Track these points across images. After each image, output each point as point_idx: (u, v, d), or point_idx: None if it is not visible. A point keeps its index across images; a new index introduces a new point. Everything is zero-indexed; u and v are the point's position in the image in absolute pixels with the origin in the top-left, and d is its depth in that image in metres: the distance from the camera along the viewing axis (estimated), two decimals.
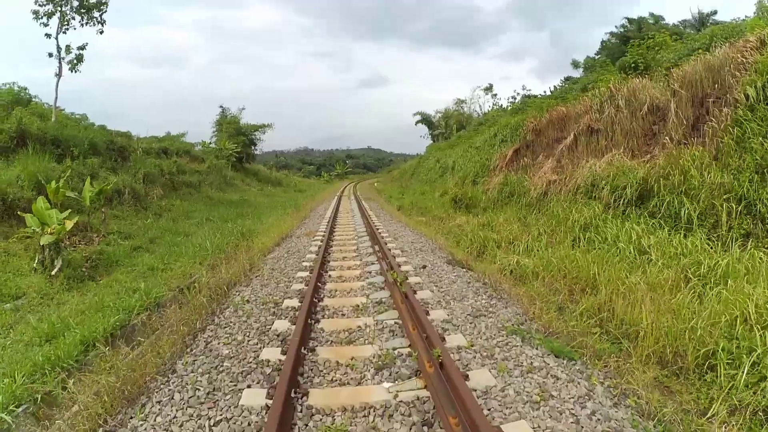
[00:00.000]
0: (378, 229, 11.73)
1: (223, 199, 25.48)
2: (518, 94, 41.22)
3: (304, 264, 7.73)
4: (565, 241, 9.35)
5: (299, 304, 5.36)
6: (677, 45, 14.98)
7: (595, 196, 10.70)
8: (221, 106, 46.25)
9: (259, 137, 45.83)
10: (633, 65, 14.67)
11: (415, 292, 5.52)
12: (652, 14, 36.69)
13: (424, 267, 7.35)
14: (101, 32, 21.15)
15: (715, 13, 30.15)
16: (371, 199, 26.88)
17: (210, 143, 39.07)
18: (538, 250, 8.97)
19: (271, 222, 15.51)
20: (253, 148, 45.93)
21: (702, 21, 29.97)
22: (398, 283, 5.49)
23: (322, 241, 9.69)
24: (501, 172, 18.40)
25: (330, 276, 6.90)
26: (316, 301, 5.48)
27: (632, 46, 16.31)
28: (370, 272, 7.04)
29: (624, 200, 9.50)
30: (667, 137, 10.24)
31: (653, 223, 8.37)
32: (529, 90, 41.72)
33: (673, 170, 8.83)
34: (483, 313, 5.11)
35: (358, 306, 5.36)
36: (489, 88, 51.57)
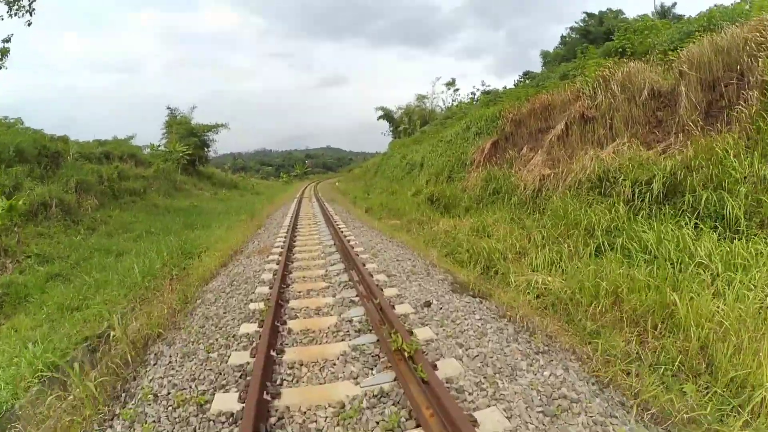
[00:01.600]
0: (349, 240, 9.52)
1: (170, 206, 22.74)
2: (477, 89, 40.67)
3: (252, 307, 5.34)
4: (586, 249, 7.52)
5: (240, 406, 3.06)
6: (669, 29, 13.69)
7: (606, 192, 8.96)
8: (169, 107, 42.70)
9: (213, 138, 42.44)
10: (620, 50, 13.32)
11: (435, 366, 3.35)
12: (610, 9, 37.28)
13: (429, 304, 5.13)
14: (29, 24, 18.23)
15: (674, 5, 30.30)
16: (335, 200, 24.46)
17: (159, 146, 35.67)
18: (558, 263, 7.13)
19: (221, 234, 13.07)
20: (206, 149, 42.54)
21: (664, 14, 29.63)
22: (407, 356, 3.30)
23: (278, 264, 7.35)
24: (480, 167, 16.62)
25: (290, 332, 4.52)
26: (269, 398, 3.14)
27: (619, 31, 15.16)
28: (351, 322, 4.70)
29: (650, 197, 7.77)
30: (690, 123, 8.80)
31: (692, 224, 6.64)
32: (488, 86, 41.15)
33: (706, 161, 7.28)
34: (561, 405, 2.97)
35: (344, 407, 3.05)
36: (451, 83, 50.37)
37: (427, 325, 4.50)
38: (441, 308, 5.03)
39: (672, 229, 6.58)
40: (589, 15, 39.23)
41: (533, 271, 7.26)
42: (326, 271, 7.13)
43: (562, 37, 41.87)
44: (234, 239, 11.27)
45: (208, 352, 4.12)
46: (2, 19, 17.60)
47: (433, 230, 11.12)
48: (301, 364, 3.76)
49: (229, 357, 3.94)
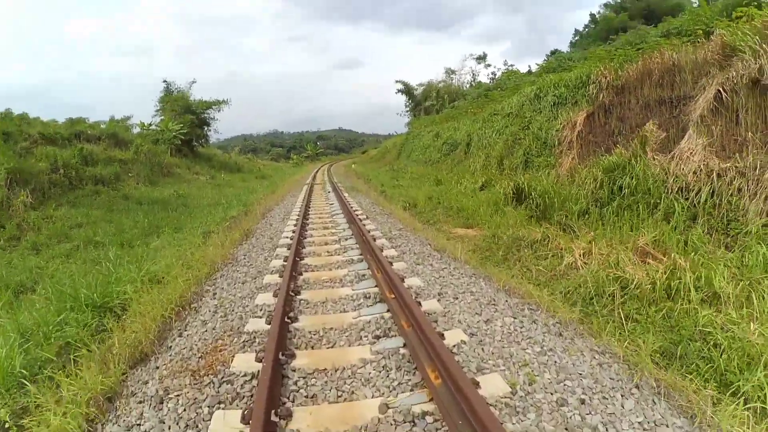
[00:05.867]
0: (434, 316, 4.31)
1: (146, 197, 17.71)
2: (498, 69, 39.08)
3: None
4: None
5: None
6: None
7: None
8: (165, 81, 37.30)
9: (214, 116, 37.16)
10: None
11: None
12: None
13: None
14: None
15: None
16: (357, 189, 18.88)
17: (151, 125, 30.69)
18: None
19: (176, 257, 7.78)
20: (205, 128, 37.35)
21: None
22: None
23: None
24: (574, 149, 11.45)
25: None
26: None
27: None
28: None
29: None
30: None
31: None
32: (512, 65, 39.28)
33: None
34: None
35: None
36: (482, 57, 45.40)
37: None
38: None
39: None
40: None
41: None
42: None
43: (592, 15, 37.93)
44: (186, 278, 6.07)
45: None
46: None
47: (572, 268, 5.77)
48: None
49: None
